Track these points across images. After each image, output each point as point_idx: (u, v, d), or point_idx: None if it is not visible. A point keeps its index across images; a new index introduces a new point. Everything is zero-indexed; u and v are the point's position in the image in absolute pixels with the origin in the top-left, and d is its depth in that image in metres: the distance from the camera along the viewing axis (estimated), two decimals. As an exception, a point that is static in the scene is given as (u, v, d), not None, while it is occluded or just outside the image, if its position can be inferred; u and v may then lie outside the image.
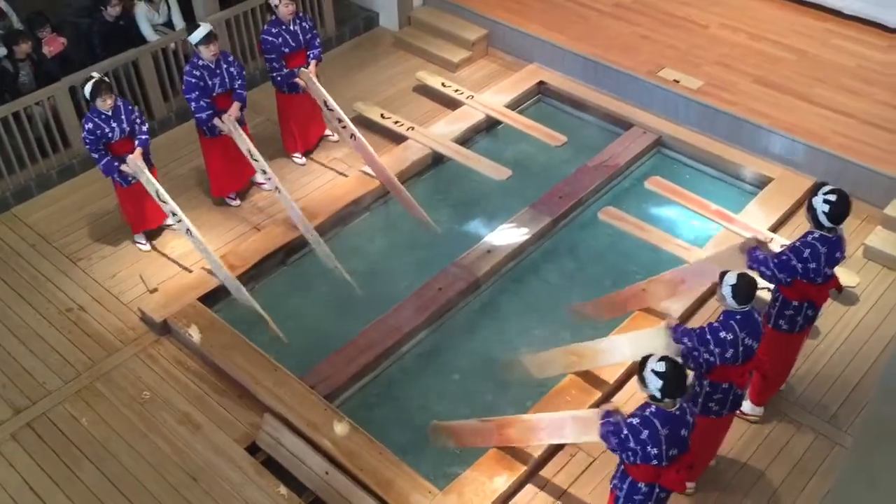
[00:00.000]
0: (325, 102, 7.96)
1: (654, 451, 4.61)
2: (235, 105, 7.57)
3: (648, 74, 8.83)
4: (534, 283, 7.54)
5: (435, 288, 7.14)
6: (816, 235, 5.53)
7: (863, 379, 6.47)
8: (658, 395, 4.61)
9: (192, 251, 7.45)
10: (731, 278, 5.14)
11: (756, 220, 7.53)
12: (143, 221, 7.61)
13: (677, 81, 8.70)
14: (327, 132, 8.75)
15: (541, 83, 9.39)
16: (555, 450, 6.05)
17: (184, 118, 8.95)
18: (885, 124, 8.10)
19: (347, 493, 5.76)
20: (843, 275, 6.80)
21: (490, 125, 9.01)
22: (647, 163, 8.59)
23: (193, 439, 6.23)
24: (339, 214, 7.88)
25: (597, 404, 5.99)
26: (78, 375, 6.67)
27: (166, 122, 8.94)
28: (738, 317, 5.13)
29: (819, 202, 5.47)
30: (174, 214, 7.16)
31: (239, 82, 7.60)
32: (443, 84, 9.27)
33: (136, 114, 7.24)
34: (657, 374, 4.58)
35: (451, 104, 9.14)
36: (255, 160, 7.54)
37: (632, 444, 4.64)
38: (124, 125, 7.09)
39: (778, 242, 7.10)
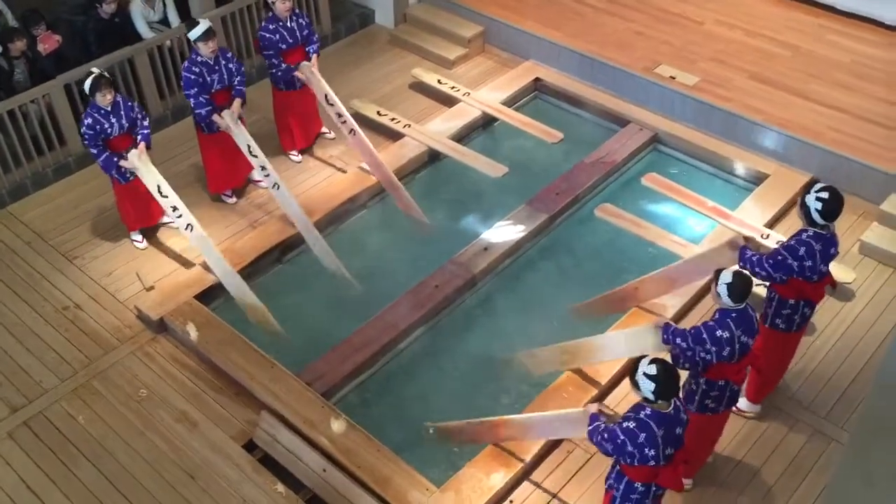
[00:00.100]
0: (325, 96, 7.95)
1: (652, 452, 4.61)
2: (237, 101, 7.56)
3: (644, 71, 8.83)
4: (531, 279, 7.54)
5: (432, 285, 7.15)
6: (811, 233, 5.54)
7: (858, 375, 6.49)
8: (652, 397, 4.61)
9: (188, 248, 7.43)
10: (726, 276, 5.14)
11: (752, 216, 7.53)
12: (141, 219, 7.60)
13: (673, 78, 8.71)
14: (324, 129, 8.74)
15: (537, 80, 9.38)
16: (552, 447, 6.06)
17: (180, 116, 8.94)
18: (879, 120, 8.11)
19: (345, 491, 5.77)
20: (839, 271, 6.82)
21: (486, 122, 9.00)
22: (644, 159, 8.60)
23: (190, 437, 6.23)
24: (336, 212, 7.88)
25: (593, 401, 5.99)
26: (74, 373, 6.66)
27: (162, 119, 8.92)
28: (733, 314, 5.13)
29: (812, 200, 5.49)
30: (175, 209, 7.10)
31: (238, 78, 7.60)
32: (439, 81, 9.26)
33: (137, 109, 7.24)
34: (649, 377, 4.57)
35: (448, 101, 9.13)
36: (255, 156, 7.52)
37: (629, 449, 4.63)
38: (123, 121, 7.09)
39: (774, 239, 7.12)
